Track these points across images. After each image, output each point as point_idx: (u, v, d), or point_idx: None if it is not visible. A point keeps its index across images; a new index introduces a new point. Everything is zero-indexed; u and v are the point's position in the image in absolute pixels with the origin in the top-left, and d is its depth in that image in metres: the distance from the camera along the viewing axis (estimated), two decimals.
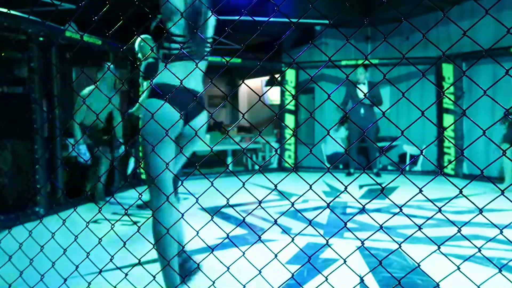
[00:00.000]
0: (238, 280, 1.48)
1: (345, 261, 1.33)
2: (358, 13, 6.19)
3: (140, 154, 5.41)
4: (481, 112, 5.55)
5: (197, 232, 1.48)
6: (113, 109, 4.20)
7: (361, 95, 6.12)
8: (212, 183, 1.39)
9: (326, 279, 1.37)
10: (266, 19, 1.27)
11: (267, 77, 10.32)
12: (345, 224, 1.33)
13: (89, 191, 4.31)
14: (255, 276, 1.46)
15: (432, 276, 1.51)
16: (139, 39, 4.10)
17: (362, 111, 6.10)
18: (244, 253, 1.44)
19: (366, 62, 5.97)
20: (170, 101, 1.66)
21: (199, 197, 1.48)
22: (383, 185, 1.20)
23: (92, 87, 4.03)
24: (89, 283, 1.72)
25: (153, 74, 3.96)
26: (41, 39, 3.77)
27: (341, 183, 1.25)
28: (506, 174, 4.83)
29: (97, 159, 4.21)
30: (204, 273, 1.54)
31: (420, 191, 1.11)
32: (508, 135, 4.71)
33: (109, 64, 4.11)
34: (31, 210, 3.62)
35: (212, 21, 1.89)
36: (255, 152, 8.32)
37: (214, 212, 1.66)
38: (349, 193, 1.22)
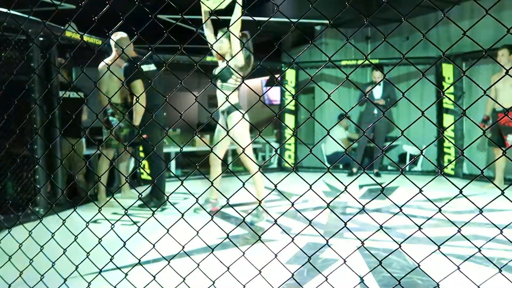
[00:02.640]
0: (238, 280, 1.48)
1: (345, 261, 1.33)
2: (358, 13, 6.18)
3: (141, 154, 5.41)
4: (481, 112, 5.55)
5: (197, 232, 1.48)
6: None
7: (375, 96, 6.08)
8: (212, 183, 1.39)
9: (326, 279, 1.36)
10: (266, 19, 1.27)
11: (267, 77, 10.31)
12: (345, 224, 1.33)
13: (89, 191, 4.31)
14: (255, 276, 1.46)
15: (432, 276, 1.51)
16: (117, 36, 4.06)
17: (375, 111, 6.05)
18: (244, 253, 1.44)
19: (367, 62, 5.98)
20: None
21: (199, 197, 1.48)
22: (383, 185, 1.20)
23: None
24: (89, 283, 1.72)
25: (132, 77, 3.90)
26: (41, 39, 3.77)
27: (341, 183, 1.25)
28: (497, 172, 4.89)
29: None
30: (204, 273, 1.54)
31: (420, 191, 1.11)
32: (494, 138, 4.75)
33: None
34: (31, 210, 3.62)
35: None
36: (255, 152, 8.31)
37: (214, 212, 1.66)
38: (349, 193, 1.22)
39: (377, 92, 6.08)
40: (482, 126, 4.92)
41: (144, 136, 3.98)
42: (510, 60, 4.73)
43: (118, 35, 4.03)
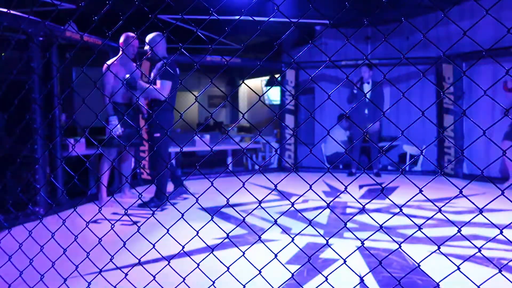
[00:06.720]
0: (238, 280, 1.48)
1: (345, 261, 1.33)
2: (358, 13, 6.18)
3: (141, 154, 5.41)
4: (481, 112, 5.55)
5: (197, 232, 1.48)
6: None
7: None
8: (212, 183, 1.39)
9: (326, 279, 1.37)
10: (266, 19, 1.27)
11: (267, 77, 10.32)
12: (345, 224, 1.33)
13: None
14: (255, 276, 1.46)
15: (432, 276, 1.51)
16: (151, 36, 4.04)
17: (366, 111, 6.04)
18: (244, 253, 1.44)
19: (366, 61, 5.98)
20: None
21: (199, 197, 1.48)
22: (383, 185, 1.20)
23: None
24: (89, 283, 1.72)
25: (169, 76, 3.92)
26: (41, 39, 3.77)
27: (341, 183, 1.25)
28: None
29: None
30: (204, 273, 1.54)
31: (420, 191, 1.11)
32: (510, 132, 4.73)
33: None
34: (31, 210, 3.62)
35: None
36: (255, 152, 8.31)
37: (214, 212, 1.66)
38: (349, 193, 1.22)
39: (367, 91, 6.06)
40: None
41: (157, 134, 4.01)
42: None
43: (152, 34, 4.02)
